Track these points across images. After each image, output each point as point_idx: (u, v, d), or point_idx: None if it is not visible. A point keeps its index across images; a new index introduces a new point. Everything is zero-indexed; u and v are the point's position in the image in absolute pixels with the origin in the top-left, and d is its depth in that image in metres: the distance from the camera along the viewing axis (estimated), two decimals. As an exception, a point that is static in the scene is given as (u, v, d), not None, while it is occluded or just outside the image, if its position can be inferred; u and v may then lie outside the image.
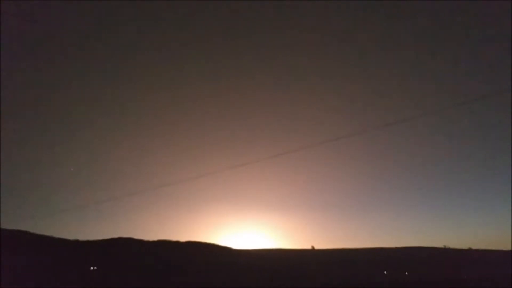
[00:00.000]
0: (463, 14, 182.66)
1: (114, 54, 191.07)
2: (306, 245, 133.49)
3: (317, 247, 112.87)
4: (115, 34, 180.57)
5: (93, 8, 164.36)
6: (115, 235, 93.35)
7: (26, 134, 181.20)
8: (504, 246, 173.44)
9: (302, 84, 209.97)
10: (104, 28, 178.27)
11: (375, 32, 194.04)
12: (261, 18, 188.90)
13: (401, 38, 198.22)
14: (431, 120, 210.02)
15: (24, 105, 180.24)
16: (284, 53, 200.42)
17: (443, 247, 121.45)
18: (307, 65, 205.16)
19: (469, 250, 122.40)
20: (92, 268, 72.49)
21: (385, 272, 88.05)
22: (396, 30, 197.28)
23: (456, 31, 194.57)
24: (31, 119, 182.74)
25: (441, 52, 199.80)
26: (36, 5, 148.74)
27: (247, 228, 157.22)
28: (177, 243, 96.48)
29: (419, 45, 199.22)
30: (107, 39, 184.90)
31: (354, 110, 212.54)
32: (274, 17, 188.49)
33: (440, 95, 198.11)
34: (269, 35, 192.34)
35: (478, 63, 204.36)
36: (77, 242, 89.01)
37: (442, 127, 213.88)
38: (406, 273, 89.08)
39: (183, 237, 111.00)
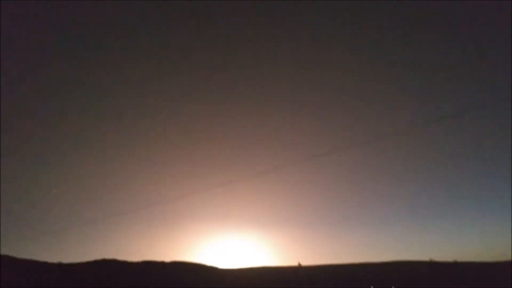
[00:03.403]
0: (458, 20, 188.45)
1: (97, 70, 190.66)
2: (293, 262, 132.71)
3: (303, 263, 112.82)
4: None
5: (98, 8, 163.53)
6: (99, 257, 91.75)
7: (4, 154, 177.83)
8: (491, 258, 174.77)
9: (289, 98, 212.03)
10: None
11: (365, 43, 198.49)
12: (244, 32, 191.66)
13: (392, 48, 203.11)
14: (412, 135, 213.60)
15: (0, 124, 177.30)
16: (265, 68, 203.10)
17: (429, 260, 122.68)
18: (291, 80, 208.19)
19: (455, 263, 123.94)
20: (75, 291, 70.89)
21: (371, 287, 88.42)
22: (388, 39, 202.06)
23: (452, 37, 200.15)
24: (8, 139, 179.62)
25: (432, 60, 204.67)
26: (36, 5, 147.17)
27: (232, 246, 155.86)
28: (162, 263, 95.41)
29: (409, 52, 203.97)
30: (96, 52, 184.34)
31: (338, 127, 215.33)
32: (258, 33, 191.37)
33: (419, 111, 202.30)
34: (254, 49, 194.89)
35: (474, 71, 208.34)
36: (59, 265, 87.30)
37: (423, 141, 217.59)
38: (392, 287, 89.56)
39: (168, 257, 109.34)
